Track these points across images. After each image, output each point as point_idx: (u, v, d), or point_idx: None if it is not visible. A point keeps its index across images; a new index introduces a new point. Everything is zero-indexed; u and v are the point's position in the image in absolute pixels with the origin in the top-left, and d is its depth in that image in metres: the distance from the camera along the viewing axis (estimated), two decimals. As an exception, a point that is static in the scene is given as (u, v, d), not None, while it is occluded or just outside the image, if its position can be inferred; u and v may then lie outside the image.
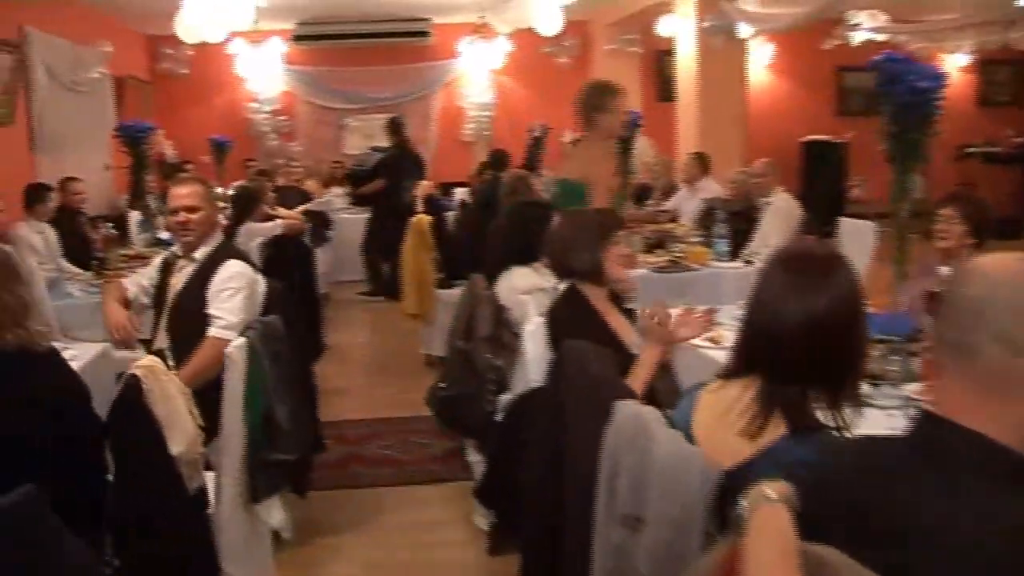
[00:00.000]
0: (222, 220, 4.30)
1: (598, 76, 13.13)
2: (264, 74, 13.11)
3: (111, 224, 7.02)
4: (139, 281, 4.29)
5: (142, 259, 6.58)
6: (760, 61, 13.52)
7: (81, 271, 6.55)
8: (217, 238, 4.12)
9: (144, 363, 2.56)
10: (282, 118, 13.38)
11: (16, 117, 8.54)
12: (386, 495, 4.84)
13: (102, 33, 10.52)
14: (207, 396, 3.04)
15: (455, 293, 6.79)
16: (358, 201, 11.04)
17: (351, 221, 10.93)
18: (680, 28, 10.07)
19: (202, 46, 12.34)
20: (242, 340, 3.19)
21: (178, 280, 4.06)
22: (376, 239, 9.92)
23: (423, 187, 10.43)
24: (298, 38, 12.74)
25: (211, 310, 3.81)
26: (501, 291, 4.37)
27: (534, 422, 3.02)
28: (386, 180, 9.89)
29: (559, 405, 2.74)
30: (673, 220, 8.06)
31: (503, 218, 4.71)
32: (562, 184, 5.38)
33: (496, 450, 3.85)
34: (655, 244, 6.80)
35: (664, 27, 10.54)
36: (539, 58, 13.34)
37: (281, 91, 13.38)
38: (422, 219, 7.13)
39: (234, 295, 3.83)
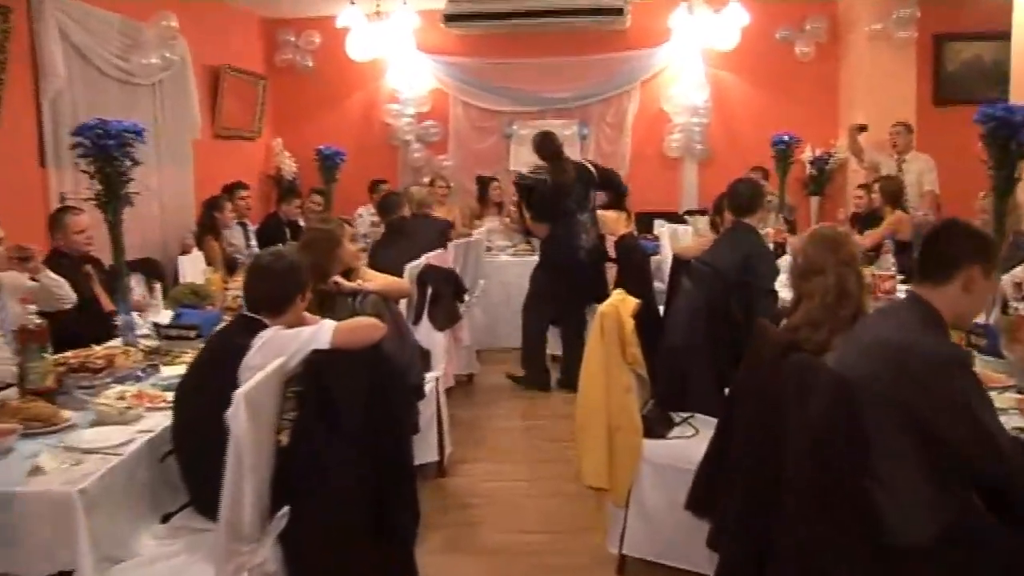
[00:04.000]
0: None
1: (852, 70, 9.68)
2: (409, 68, 10.06)
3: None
4: None
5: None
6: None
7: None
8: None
9: None
10: (430, 123, 10.27)
11: (7, 114, 5.69)
12: None
13: (189, 11, 7.68)
14: None
15: (683, 448, 3.55)
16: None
17: (514, 266, 7.80)
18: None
19: (332, 33, 9.55)
20: None
21: None
22: (537, 303, 6.75)
23: (611, 221, 7.15)
24: (449, 18, 9.54)
25: None
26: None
27: None
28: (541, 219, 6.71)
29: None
30: None
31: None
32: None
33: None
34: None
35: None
36: (771, 47, 9.85)
37: (430, 89, 10.27)
38: (621, 305, 3.76)
39: None
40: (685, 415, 3.97)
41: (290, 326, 3.11)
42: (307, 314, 3.32)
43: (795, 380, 2.63)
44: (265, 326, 3.07)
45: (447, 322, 5.12)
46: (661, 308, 5.56)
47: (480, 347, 7.43)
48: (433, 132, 10.31)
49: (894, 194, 7.37)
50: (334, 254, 4.18)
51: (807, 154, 9.58)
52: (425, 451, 4.88)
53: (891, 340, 2.54)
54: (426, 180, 9.31)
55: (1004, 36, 9.53)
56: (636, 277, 5.77)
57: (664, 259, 7.48)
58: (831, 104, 9.95)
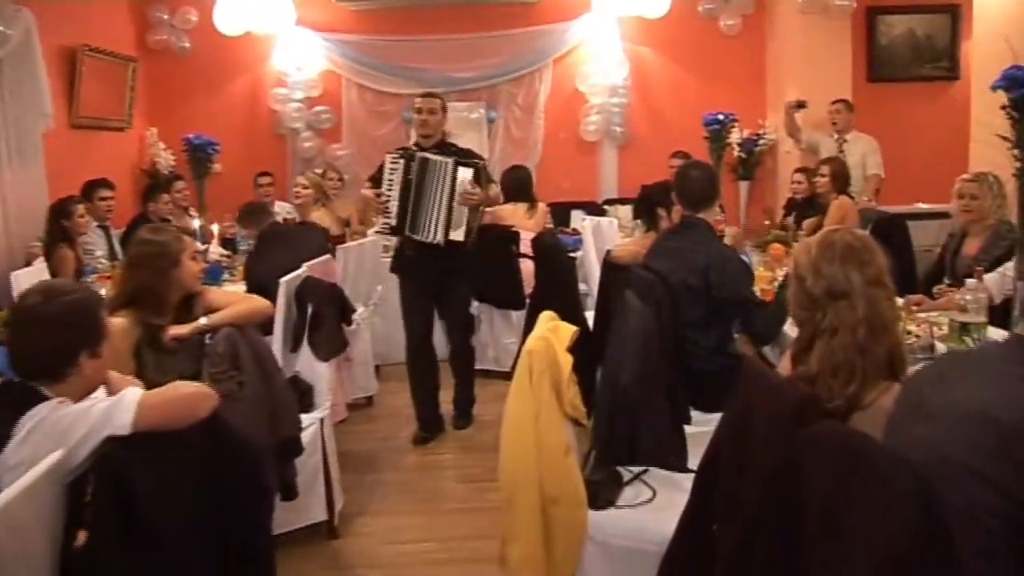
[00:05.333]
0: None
1: (782, 45, 8.93)
2: (297, 47, 9.06)
3: None
4: None
5: None
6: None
7: None
8: None
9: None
10: (321, 108, 9.26)
11: None
12: None
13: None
14: None
15: (639, 519, 2.71)
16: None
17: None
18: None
19: (210, 11, 8.51)
20: None
21: None
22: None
23: (507, 215, 6.33)
24: (342, -9, 8.59)
25: None
26: None
27: None
28: None
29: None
30: None
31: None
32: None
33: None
34: None
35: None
36: (694, 21, 9.09)
37: (321, 70, 9.26)
38: (554, 337, 2.85)
39: None
40: (636, 470, 3.10)
41: (79, 397, 2.13)
42: (113, 373, 2.35)
43: (836, 466, 1.75)
44: (42, 398, 2.09)
45: (331, 351, 4.13)
46: (589, 315, 4.68)
47: (379, 362, 6.48)
48: (325, 118, 9.29)
49: (844, 177, 6.67)
50: (169, 276, 3.18)
51: (735, 135, 8.82)
52: (309, 510, 3.94)
53: (1001, 413, 1.65)
54: (318, 171, 8.32)
55: (938, 9, 8.94)
56: (561, 283, 4.90)
57: (587, 255, 6.65)
58: (759, 82, 9.22)
